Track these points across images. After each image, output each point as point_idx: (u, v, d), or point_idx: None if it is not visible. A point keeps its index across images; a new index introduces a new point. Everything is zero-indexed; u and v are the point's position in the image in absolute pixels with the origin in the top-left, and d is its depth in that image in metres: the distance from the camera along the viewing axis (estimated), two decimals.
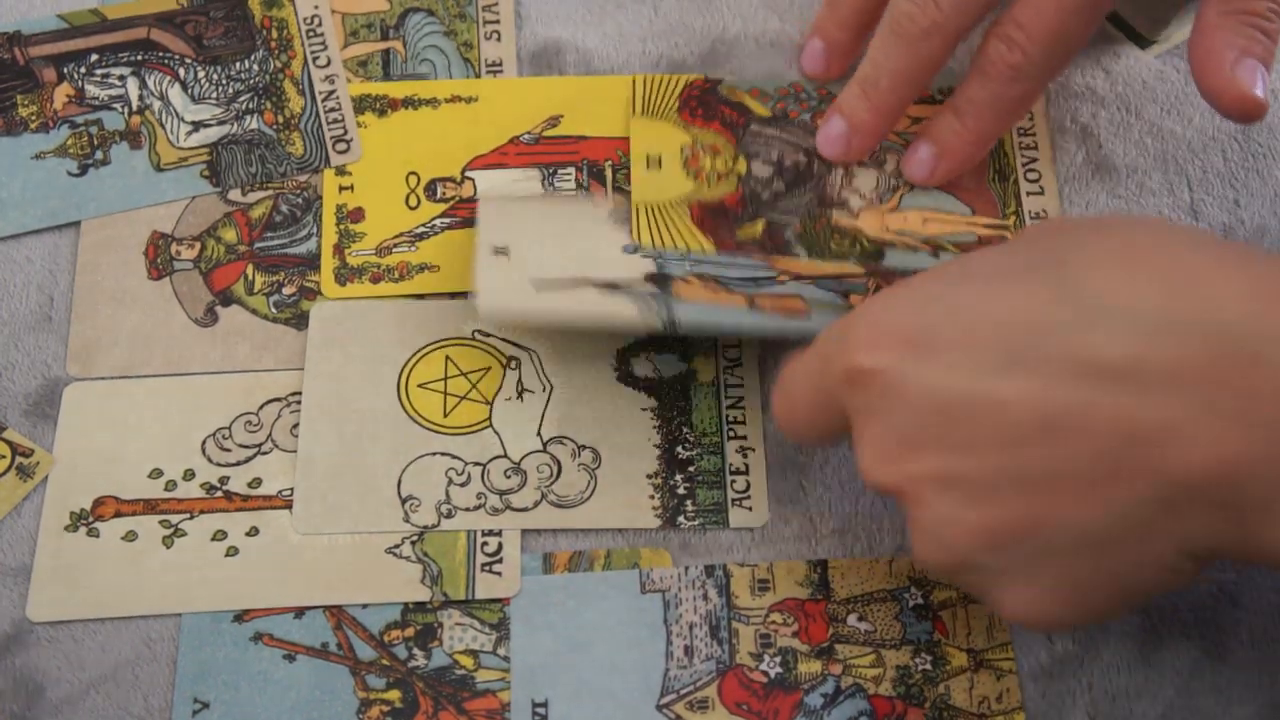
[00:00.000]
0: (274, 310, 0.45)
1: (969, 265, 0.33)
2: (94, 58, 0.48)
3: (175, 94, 0.48)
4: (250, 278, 0.45)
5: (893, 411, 0.32)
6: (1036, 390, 0.29)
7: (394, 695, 0.40)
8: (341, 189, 0.47)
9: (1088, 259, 0.30)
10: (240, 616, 0.41)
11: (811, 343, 0.36)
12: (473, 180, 0.46)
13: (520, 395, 0.43)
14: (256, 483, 0.42)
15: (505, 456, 0.43)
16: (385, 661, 0.40)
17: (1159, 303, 0.28)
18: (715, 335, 0.43)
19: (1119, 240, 0.31)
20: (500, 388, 0.44)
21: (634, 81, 0.48)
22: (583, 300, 0.40)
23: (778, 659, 0.40)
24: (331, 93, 0.48)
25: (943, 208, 0.46)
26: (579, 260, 0.41)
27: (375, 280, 0.45)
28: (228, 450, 0.43)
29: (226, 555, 0.41)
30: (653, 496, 0.42)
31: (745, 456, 0.43)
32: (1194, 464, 0.27)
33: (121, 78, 0.48)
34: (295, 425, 0.43)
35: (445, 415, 0.43)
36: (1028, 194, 0.47)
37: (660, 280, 0.41)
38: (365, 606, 0.41)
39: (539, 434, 0.43)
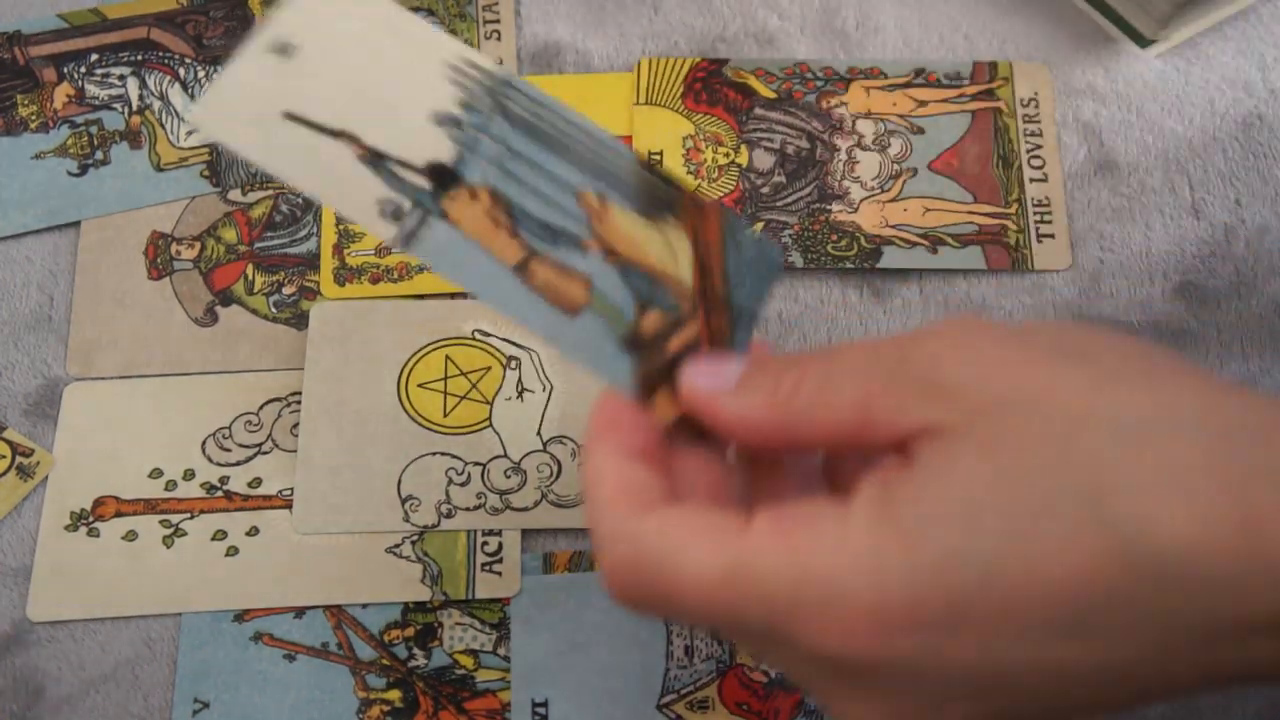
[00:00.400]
0: (274, 310, 0.45)
1: (973, 495, 0.24)
2: (94, 57, 0.48)
3: (175, 94, 0.48)
4: (250, 278, 0.45)
5: (906, 693, 0.25)
6: (1102, 649, 0.24)
7: (394, 695, 0.40)
8: None
9: (1133, 484, 0.23)
10: (240, 616, 0.41)
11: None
12: None
13: (520, 395, 0.43)
14: (256, 482, 0.42)
15: (505, 456, 0.43)
16: (385, 661, 0.40)
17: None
18: (455, 286, 0.35)
19: (1160, 452, 0.24)
20: (500, 388, 0.44)
21: (640, 64, 0.48)
22: (323, 166, 0.30)
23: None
24: None
25: (944, 195, 0.46)
26: (370, 104, 0.32)
27: (375, 280, 0.45)
28: (228, 450, 0.43)
29: (226, 555, 0.41)
30: None
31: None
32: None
33: (121, 77, 0.48)
34: (295, 425, 0.43)
35: (445, 415, 0.43)
36: (1031, 180, 0.47)
37: (440, 179, 0.31)
38: (365, 606, 0.41)
39: (539, 434, 0.43)
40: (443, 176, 0.31)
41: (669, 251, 0.32)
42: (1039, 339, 0.26)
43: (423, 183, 0.30)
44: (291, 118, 0.30)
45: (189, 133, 0.47)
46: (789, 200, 0.46)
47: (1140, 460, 0.23)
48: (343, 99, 0.30)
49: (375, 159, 0.30)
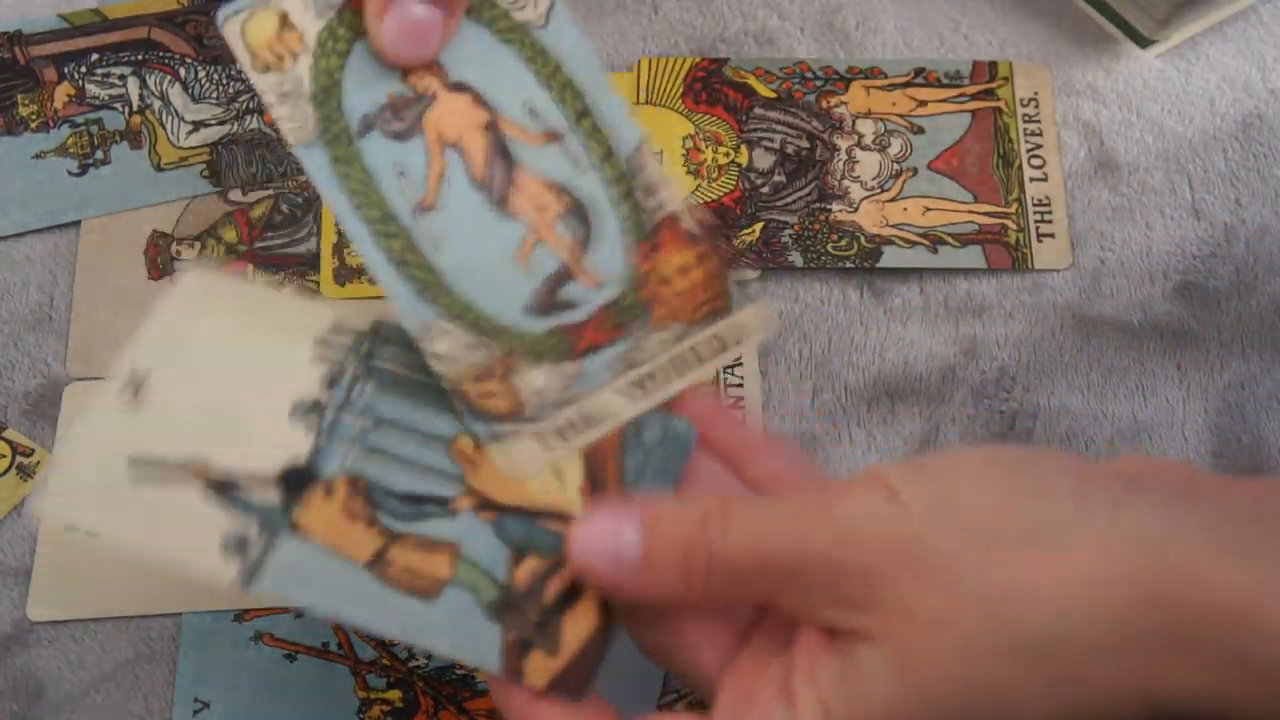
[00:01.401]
0: None
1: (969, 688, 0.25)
2: (94, 57, 0.48)
3: (176, 94, 0.48)
4: (250, 278, 0.45)
5: None
6: None
7: (394, 695, 0.40)
8: None
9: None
10: (240, 616, 0.41)
11: None
12: None
13: None
14: None
15: None
16: (386, 661, 0.40)
17: None
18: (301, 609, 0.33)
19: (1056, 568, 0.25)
20: None
21: (639, 64, 0.48)
22: (167, 518, 0.29)
23: None
24: None
25: (944, 195, 0.47)
26: (223, 418, 0.30)
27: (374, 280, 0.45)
28: None
29: None
30: None
31: None
32: None
33: (122, 77, 0.48)
34: None
35: None
36: (1031, 180, 0.47)
37: (292, 486, 0.29)
38: None
39: None
40: (295, 481, 0.30)
41: (554, 478, 0.31)
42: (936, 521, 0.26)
43: (272, 498, 0.29)
44: (137, 462, 0.29)
45: (189, 132, 0.47)
46: (789, 200, 0.46)
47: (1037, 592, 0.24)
48: (194, 421, 0.30)
49: (223, 487, 0.29)
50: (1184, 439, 0.44)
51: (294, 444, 0.30)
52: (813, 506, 0.26)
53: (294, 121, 0.30)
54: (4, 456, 0.42)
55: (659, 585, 0.28)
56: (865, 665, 0.26)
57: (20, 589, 0.41)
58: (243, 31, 0.29)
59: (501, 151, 0.31)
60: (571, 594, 0.30)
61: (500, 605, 0.30)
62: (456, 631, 0.29)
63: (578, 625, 0.30)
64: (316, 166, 0.30)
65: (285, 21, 0.30)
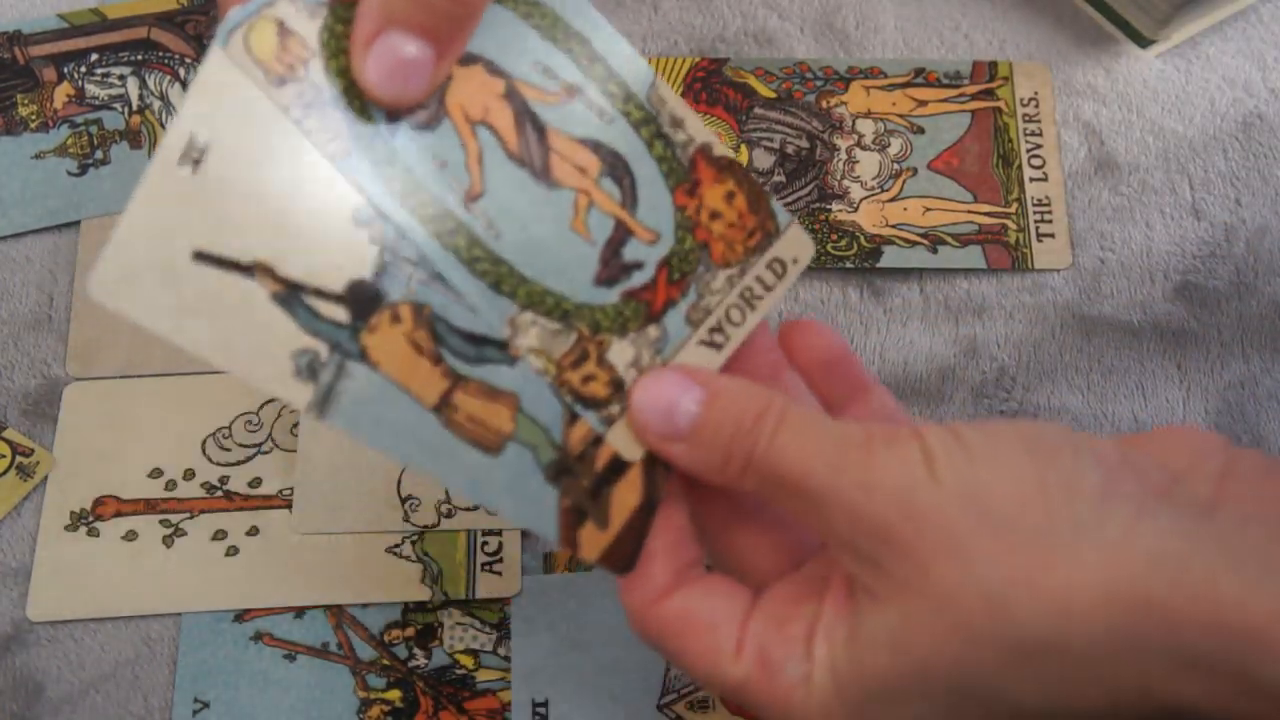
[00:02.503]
0: None
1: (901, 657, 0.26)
2: (94, 57, 0.48)
3: (175, 94, 0.48)
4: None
5: None
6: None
7: (394, 695, 0.40)
8: None
9: None
10: (240, 616, 0.41)
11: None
12: None
13: None
14: (257, 482, 0.42)
15: None
16: (385, 661, 0.40)
17: None
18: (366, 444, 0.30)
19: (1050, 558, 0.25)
20: None
21: None
22: (234, 323, 0.27)
23: None
24: None
25: (944, 195, 0.46)
26: (287, 209, 0.28)
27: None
28: (228, 450, 0.43)
29: (226, 555, 0.41)
30: None
31: None
32: None
33: (122, 77, 0.48)
34: (295, 425, 0.43)
35: None
36: (1031, 180, 0.47)
37: (359, 305, 0.28)
38: (365, 606, 0.41)
39: None
40: (362, 300, 0.28)
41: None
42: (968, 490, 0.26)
43: (341, 315, 0.28)
44: (201, 257, 0.27)
45: None
46: (789, 200, 0.46)
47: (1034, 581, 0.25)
48: (258, 211, 0.27)
49: (290, 294, 0.27)
50: None
51: (359, 255, 0.28)
52: (855, 445, 0.27)
53: (327, 132, 0.28)
54: (3, 457, 0.42)
55: (700, 460, 0.29)
56: (869, 632, 0.26)
57: (20, 589, 0.41)
58: (248, 47, 0.27)
59: (529, 117, 0.30)
60: (618, 464, 0.30)
61: (558, 467, 0.30)
62: (517, 492, 0.29)
63: (623, 498, 0.30)
64: (360, 174, 0.28)
65: (283, 28, 0.28)
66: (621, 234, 0.31)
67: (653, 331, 0.31)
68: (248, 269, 0.27)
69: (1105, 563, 0.24)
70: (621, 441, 0.30)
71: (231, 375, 0.27)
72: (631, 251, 0.31)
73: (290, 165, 0.28)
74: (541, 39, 0.30)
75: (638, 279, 0.31)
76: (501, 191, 0.30)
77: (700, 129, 0.31)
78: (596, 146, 0.30)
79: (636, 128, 0.31)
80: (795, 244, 0.32)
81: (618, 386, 0.30)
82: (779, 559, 0.31)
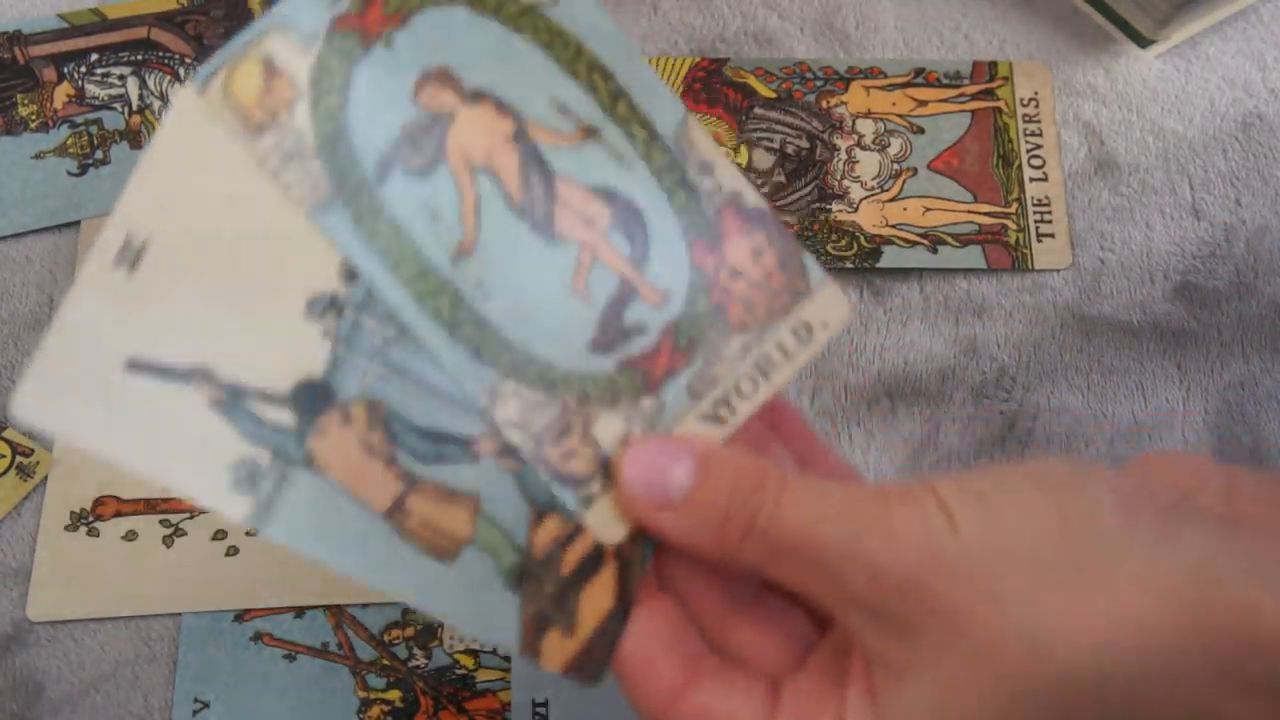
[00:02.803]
0: None
1: None
2: (94, 57, 0.48)
3: (175, 93, 0.48)
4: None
5: None
6: None
7: (394, 695, 0.40)
8: None
9: None
10: (240, 616, 0.41)
11: None
12: None
13: None
14: None
15: None
16: (385, 661, 0.40)
17: None
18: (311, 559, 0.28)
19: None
20: None
21: None
22: (169, 433, 0.25)
23: None
24: None
25: (944, 195, 0.46)
26: (230, 308, 0.26)
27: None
28: None
29: (226, 555, 0.41)
30: None
31: None
32: None
33: (121, 77, 0.48)
34: None
35: None
36: (1031, 180, 0.47)
37: (307, 406, 0.26)
38: (365, 606, 0.41)
39: None
40: (311, 401, 0.26)
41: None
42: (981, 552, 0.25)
43: (287, 419, 0.26)
44: (135, 366, 0.25)
45: None
46: (789, 200, 0.46)
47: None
48: (198, 310, 0.25)
49: (232, 400, 0.25)
50: (1184, 439, 0.44)
51: (309, 351, 0.26)
52: (869, 502, 0.25)
53: (304, 184, 0.26)
54: (3, 457, 0.42)
55: (694, 530, 0.27)
56: (905, 709, 0.25)
57: (20, 589, 0.41)
58: (227, 93, 0.25)
59: (536, 163, 0.27)
60: (589, 565, 0.28)
61: (518, 573, 0.27)
62: (474, 601, 0.27)
63: (595, 602, 0.28)
64: (338, 230, 0.26)
65: (270, 68, 0.25)
66: (626, 294, 0.28)
67: (647, 404, 0.28)
68: (184, 375, 0.25)
69: (1139, 591, 0.23)
70: (600, 522, 0.28)
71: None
72: (635, 313, 0.28)
73: (237, 245, 0.26)
74: (561, 72, 0.27)
75: (638, 345, 0.28)
76: (496, 246, 0.27)
77: (732, 176, 0.28)
78: (609, 196, 0.28)
79: (658, 175, 0.28)
80: (827, 306, 0.29)
81: (601, 464, 0.28)
82: (783, 653, 0.29)
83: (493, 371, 0.27)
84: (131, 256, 0.25)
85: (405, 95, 0.26)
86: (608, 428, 0.28)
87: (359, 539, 0.26)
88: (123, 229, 0.25)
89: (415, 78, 0.27)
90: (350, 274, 0.26)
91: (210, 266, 0.26)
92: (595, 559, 0.28)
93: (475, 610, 0.27)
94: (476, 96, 0.27)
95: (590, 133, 0.28)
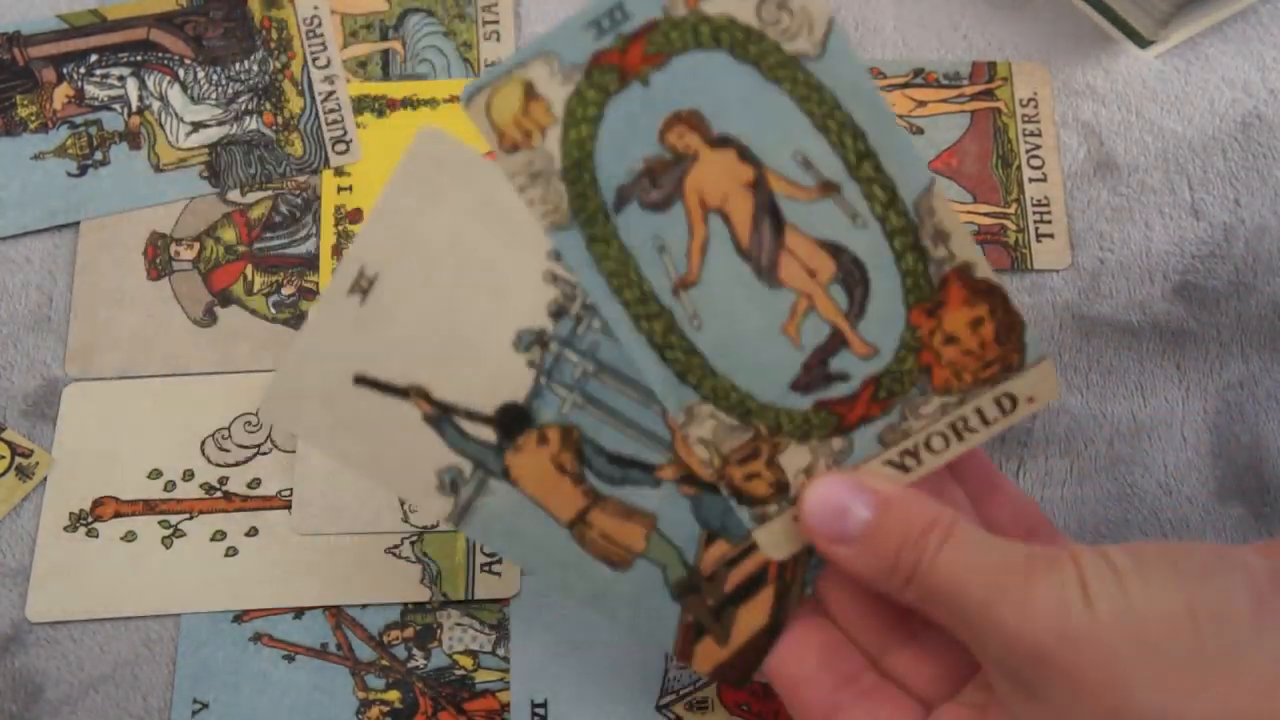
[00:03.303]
0: (273, 310, 0.45)
1: None
2: (93, 58, 0.48)
3: (175, 94, 0.48)
4: (249, 278, 0.45)
5: None
6: None
7: (393, 696, 0.40)
8: (340, 189, 0.47)
9: None
10: (239, 617, 0.41)
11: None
12: None
13: None
14: (256, 483, 0.42)
15: None
16: (385, 662, 0.40)
17: None
18: (500, 555, 0.33)
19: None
20: None
21: None
22: (386, 440, 0.29)
23: None
24: (331, 93, 0.48)
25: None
26: (447, 337, 0.29)
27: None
28: (227, 451, 0.43)
29: (226, 555, 0.41)
30: None
31: None
32: None
33: (121, 78, 0.48)
34: None
35: None
36: (1030, 180, 0.47)
37: (508, 427, 0.29)
38: (365, 607, 0.41)
39: None
40: (512, 422, 0.29)
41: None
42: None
43: (488, 435, 0.29)
44: (362, 381, 0.29)
45: (188, 133, 0.47)
46: None
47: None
48: (419, 337, 0.29)
49: (441, 415, 0.29)
50: (1183, 439, 0.44)
51: (514, 378, 0.29)
52: (1015, 565, 0.27)
53: (547, 204, 0.28)
54: (3, 457, 0.42)
55: (866, 566, 0.29)
56: None
57: (19, 589, 0.41)
58: (488, 109, 0.27)
59: (770, 211, 0.28)
60: (750, 586, 0.30)
61: (684, 586, 0.30)
62: (638, 606, 0.30)
63: (750, 618, 0.30)
64: (570, 249, 0.28)
65: (530, 92, 0.27)
66: (835, 344, 0.29)
67: (837, 443, 0.29)
68: (403, 392, 0.29)
69: (1260, 690, 0.24)
70: (768, 540, 0.30)
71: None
72: (840, 363, 0.29)
73: (458, 281, 0.29)
74: (812, 127, 0.28)
75: (838, 391, 0.29)
76: (717, 283, 0.29)
77: (967, 247, 0.29)
78: (837, 251, 0.29)
79: (891, 237, 0.29)
80: (1037, 384, 0.30)
81: (780, 489, 0.30)
82: (939, 681, 0.31)
83: (693, 393, 0.29)
84: (364, 285, 0.29)
85: (653, 132, 0.28)
86: (794, 458, 0.29)
87: (542, 544, 0.30)
88: (358, 262, 0.29)
89: (666, 117, 0.28)
90: (557, 312, 0.29)
91: (431, 299, 0.29)
92: (757, 580, 0.30)
93: (638, 614, 0.30)
94: (723, 142, 0.28)
95: (830, 189, 0.29)
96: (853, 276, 0.29)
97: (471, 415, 0.29)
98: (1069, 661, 0.25)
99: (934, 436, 0.30)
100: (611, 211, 0.28)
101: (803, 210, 0.28)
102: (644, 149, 0.28)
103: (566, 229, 0.28)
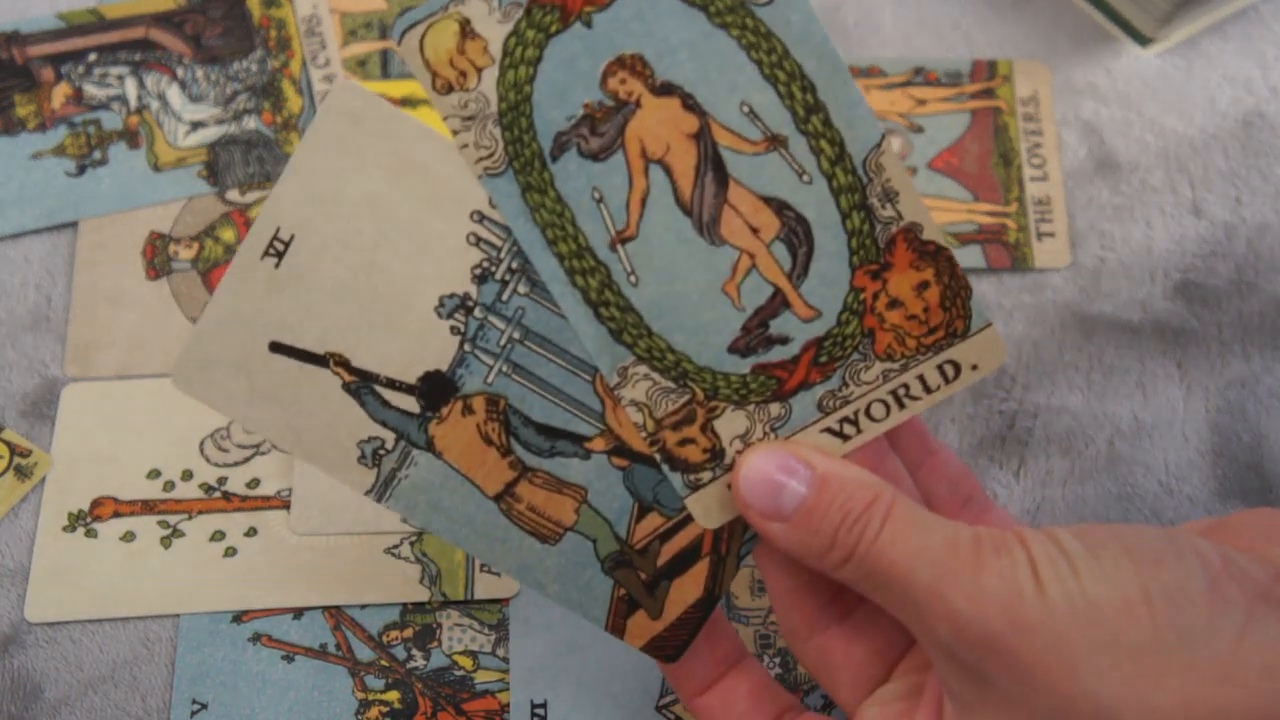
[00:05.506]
0: None
1: None
2: (92, 57, 0.48)
3: (173, 94, 0.48)
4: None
5: None
6: None
7: (393, 696, 0.40)
8: None
9: None
10: (239, 617, 0.41)
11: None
12: None
13: None
14: (255, 483, 0.42)
15: None
16: (384, 662, 0.40)
17: None
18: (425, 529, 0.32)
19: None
20: None
21: None
22: (303, 410, 0.28)
23: (777, 659, 0.40)
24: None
25: (944, 194, 0.46)
26: (367, 301, 0.28)
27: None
28: (226, 451, 0.43)
29: (225, 556, 0.41)
30: None
31: None
32: None
33: (120, 77, 0.48)
34: None
35: None
36: (1031, 179, 0.47)
37: (431, 395, 0.28)
38: (364, 607, 0.41)
39: None
40: (435, 391, 0.28)
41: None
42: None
43: (411, 405, 0.28)
44: (277, 348, 0.27)
45: (187, 132, 0.47)
46: None
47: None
48: (337, 303, 0.27)
49: (361, 384, 0.28)
50: (1184, 438, 0.44)
51: (437, 345, 0.28)
52: (963, 549, 0.26)
53: (481, 149, 0.27)
54: (1, 457, 0.42)
55: (800, 543, 0.28)
56: None
57: (18, 590, 0.41)
58: (421, 46, 0.26)
59: (714, 164, 0.27)
60: (683, 560, 0.29)
61: (615, 560, 0.29)
62: (569, 580, 0.29)
63: (683, 592, 0.30)
64: (504, 197, 0.27)
65: (467, 30, 0.26)
66: (776, 305, 0.28)
67: (775, 409, 0.28)
68: (321, 359, 0.28)
69: (1217, 678, 0.23)
70: (701, 509, 0.29)
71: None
72: (781, 325, 0.28)
73: (376, 244, 0.27)
74: (760, 76, 0.27)
75: (777, 354, 0.28)
76: (656, 238, 0.28)
77: (915, 208, 0.28)
78: (781, 208, 0.28)
79: (837, 194, 0.28)
80: (981, 350, 0.29)
81: (715, 455, 0.28)
82: (872, 662, 0.30)
83: (627, 353, 0.28)
84: (280, 248, 0.27)
85: (594, 76, 0.27)
86: (730, 424, 0.28)
87: (468, 518, 0.29)
88: (272, 223, 0.27)
89: (608, 61, 0.27)
90: (482, 276, 0.28)
91: (350, 262, 0.28)
92: (691, 553, 0.29)
93: (569, 588, 0.29)
94: (666, 89, 0.27)
95: (776, 142, 0.28)
96: (796, 235, 0.28)
97: (393, 384, 0.28)
98: (1020, 648, 0.25)
99: (874, 404, 0.29)
100: (548, 159, 0.27)
101: (747, 164, 0.27)
102: (584, 94, 0.27)
103: (500, 175, 0.27)
